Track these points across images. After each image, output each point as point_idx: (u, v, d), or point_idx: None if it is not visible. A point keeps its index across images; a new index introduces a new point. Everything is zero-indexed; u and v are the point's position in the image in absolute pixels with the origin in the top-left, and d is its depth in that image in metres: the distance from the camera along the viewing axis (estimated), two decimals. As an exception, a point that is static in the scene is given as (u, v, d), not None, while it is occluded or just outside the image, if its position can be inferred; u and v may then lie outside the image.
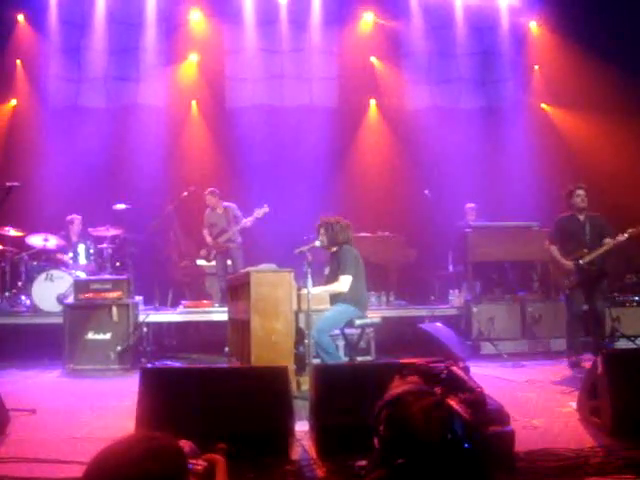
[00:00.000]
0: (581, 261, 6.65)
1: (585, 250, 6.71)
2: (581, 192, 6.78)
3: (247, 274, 5.47)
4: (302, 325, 5.55)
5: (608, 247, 6.67)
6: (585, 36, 10.32)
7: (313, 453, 3.51)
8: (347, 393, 3.44)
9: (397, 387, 2.37)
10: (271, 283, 5.32)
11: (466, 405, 2.23)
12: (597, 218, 6.91)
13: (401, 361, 2.81)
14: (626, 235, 6.57)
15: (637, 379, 3.49)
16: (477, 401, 2.17)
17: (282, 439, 3.40)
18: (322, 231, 5.94)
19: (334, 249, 5.95)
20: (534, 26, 11.59)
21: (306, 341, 5.37)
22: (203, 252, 9.21)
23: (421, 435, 2.24)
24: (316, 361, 5.39)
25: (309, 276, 5.34)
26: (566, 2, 10.43)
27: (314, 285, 5.85)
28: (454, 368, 2.39)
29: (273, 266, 5.84)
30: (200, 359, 7.86)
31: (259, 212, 8.63)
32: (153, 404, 3.41)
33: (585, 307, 6.86)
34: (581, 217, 6.84)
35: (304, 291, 5.41)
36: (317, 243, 5.86)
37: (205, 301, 8.97)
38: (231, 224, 8.91)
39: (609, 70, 9.80)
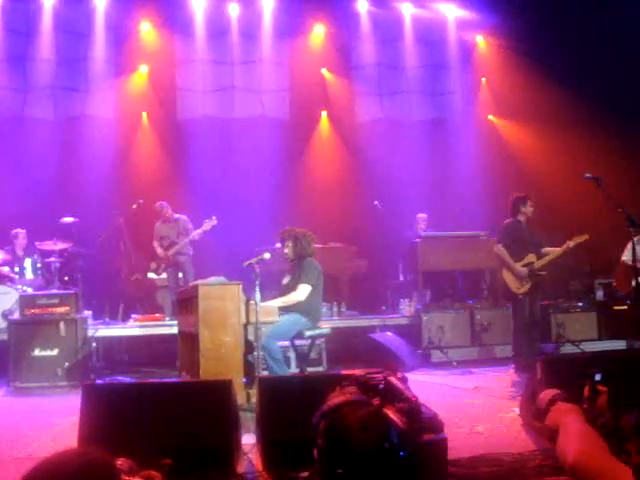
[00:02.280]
0: (535, 266, 6.97)
1: (531, 255, 7.01)
2: (532, 202, 7.17)
3: (195, 287, 5.45)
4: (251, 337, 5.54)
5: (557, 254, 7.05)
6: (530, 49, 10.65)
7: (259, 466, 3.51)
8: (292, 405, 3.45)
9: (334, 398, 2.41)
10: (219, 296, 5.31)
11: (402, 414, 2.28)
12: (533, 227, 7.31)
13: (341, 372, 2.85)
14: (572, 243, 6.98)
15: (574, 384, 3.60)
16: (412, 410, 2.22)
17: (227, 453, 3.40)
18: (289, 243, 5.95)
19: (297, 260, 5.99)
20: (481, 40, 11.90)
21: (255, 353, 5.37)
22: (153, 265, 9.14)
23: (358, 445, 2.27)
24: (265, 373, 5.40)
25: (257, 288, 5.35)
26: (512, 16, 10.74)
27: (267, 297, 5.87)
28: (391, 378, 2.43)
29: (222, 279, 5.82)
30: (151, 373, 7.75)
31: (207, 224, 8.63)
32: (96, 421, 3.36)
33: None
34: (525, 225, 7.19)
35: (253, 303, 5.41)
36: (266, 255, 5.84)
37: (157, 314, 8.88)
38: (180, 236, 8.87)
39: (553, 83, 10.12)
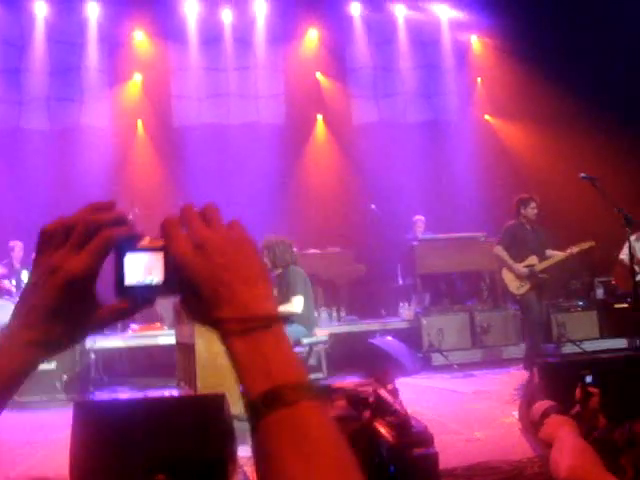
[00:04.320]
0: (536, 268, 6.90)
1: (533, 257, 6.96)
2: (535, 204, 7.04)
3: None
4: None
5: (560, 258, 7.00)
6: (524, 48, 10.61)
7: (254, 479, 3.47)
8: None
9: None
10: (215, 305, 5.25)
11: (391, 428, 2.24)
12: (541, 229, 7.21)
13: (330, 385, 2.82)
14: (576, 249, 6.95)
15: (572, 388, 3.55)
16: (402, 424, 2.19)
17: (221, 467, 3.35)
18: (265, 252, 5.92)
19: (279, 270, 5.94)
20: (475, 40, 11.87)
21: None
22: None
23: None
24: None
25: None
26: (506, 16, 10.72)
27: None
28: (381, 391, 2.40)
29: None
30: (151, 384, 7.71)
31: None
32: (87, 439, 3.32)
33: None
34: (528, 226, 7.08)
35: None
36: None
37: (158, 324, 8.83)
38: None
39: (549, 81, 10.08)
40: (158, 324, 8.79)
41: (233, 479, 3.47)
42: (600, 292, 8.84)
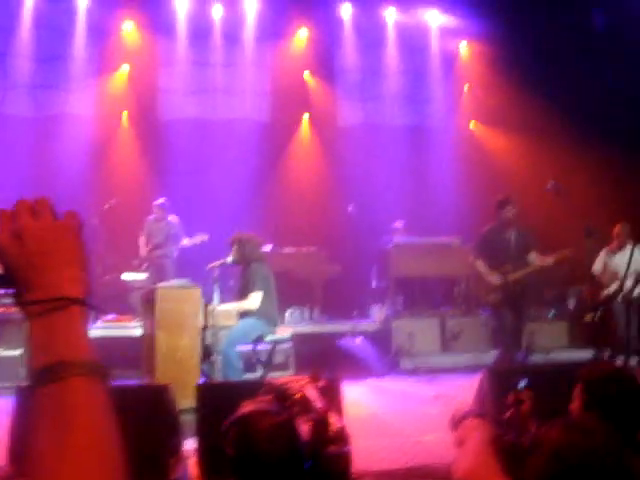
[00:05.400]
0: (508, 278, 6.64)
1: (509, 266, 6.68)
2: (511, 207, 6.71)
3: (153, 290, 5.41)
4: (209, 341, 5.50)
5: (533, 268, 6.69)
6: (513, 57, 10.65)
7: (194, 472, 3.47)
8: (230, 412, 3.41)
9: (246, 406, 2.38)
10: (176, 299, 5.28)
11: (311, 425, 2.26)
12: (524, 233, 6.85)
13: (264, 380, 2.83)
14: (551, 260, 6.65)
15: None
16: (320, 421, 2.20)
17: (162, 459, 3.36)
18: (235, 247, 5.94)
19: (245, 265, 5.95)
20: (464, 46, 11.91)
21: (212, 357, 5.33)
22: (136, 262, 9.17)
23: (265, 454, 2.25)
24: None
25: (216, 292, 5.32)
26: (495, 24, 10.77)
27: (225, 301, 5.84)
28: (307, 388, 2.41)
29: (183, 282, 5.79)
30: (117, 375, 7.68)
31: (198, 238, 8.71)
32: (27, 424, 3.32)
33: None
34: (508, 231, 6.75)
35: (211, 307, 5.37)
36: (229, 260, 5.83)
37: (128, 316, 8.81)
38: (169, 240, 8.88)
39: (533, 91, 10.11)
40: (126, 316, 8.78)
41: (172, 472, 3.46)
42: (572, 302, 8.87)
